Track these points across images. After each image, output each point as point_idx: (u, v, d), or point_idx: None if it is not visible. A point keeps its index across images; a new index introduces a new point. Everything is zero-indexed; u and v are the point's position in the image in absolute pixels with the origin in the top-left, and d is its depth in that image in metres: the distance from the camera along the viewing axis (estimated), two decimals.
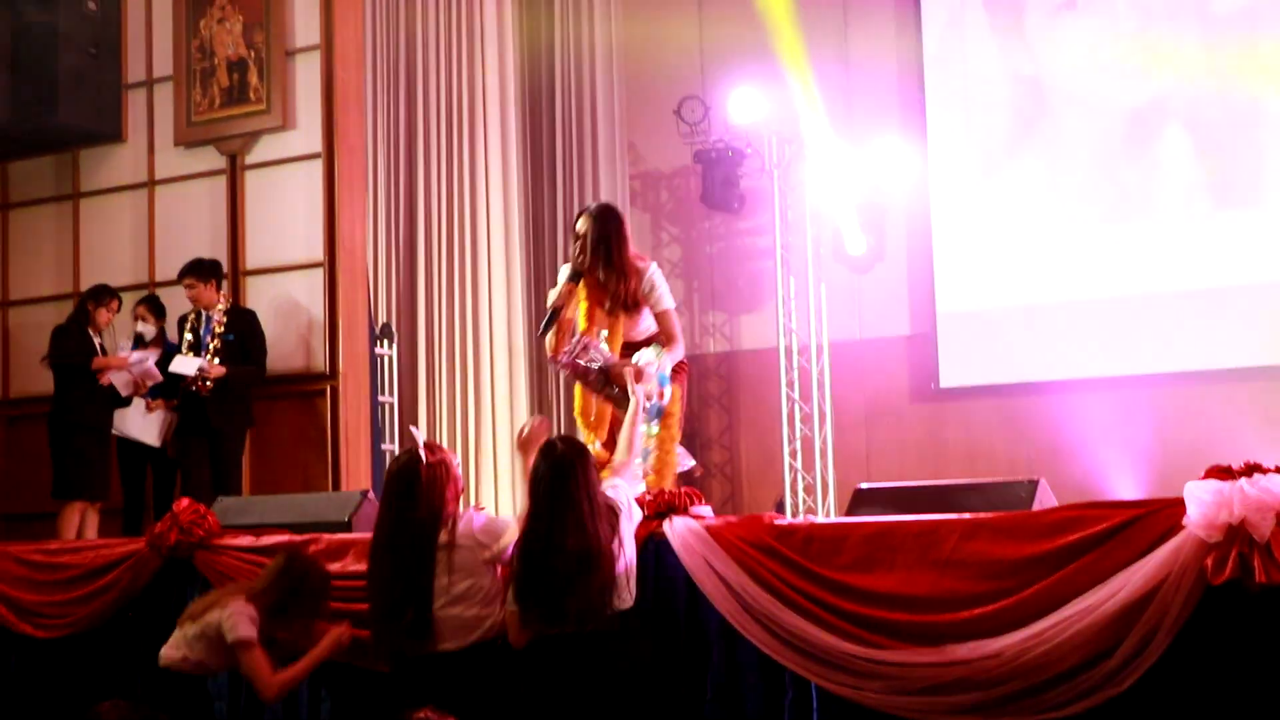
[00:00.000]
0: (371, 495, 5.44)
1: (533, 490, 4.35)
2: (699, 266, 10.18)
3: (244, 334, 7.09)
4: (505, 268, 8.94)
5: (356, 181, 7.54)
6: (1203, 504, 3.88)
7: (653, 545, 4.62)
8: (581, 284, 5.09)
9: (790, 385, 9.28)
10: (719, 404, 10.15)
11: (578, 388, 5.23)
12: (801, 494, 9.16)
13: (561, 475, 4.27)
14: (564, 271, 5.15)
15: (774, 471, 9.34)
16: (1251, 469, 3.91)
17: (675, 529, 4.59)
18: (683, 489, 4.72)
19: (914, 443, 9.42)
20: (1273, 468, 3.91)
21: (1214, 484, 3.91)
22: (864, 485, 4.89)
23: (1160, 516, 3.98)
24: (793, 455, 9.18)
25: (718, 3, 10.06)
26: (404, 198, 8.62)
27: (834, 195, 9.29)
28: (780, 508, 9.09)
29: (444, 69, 8.74)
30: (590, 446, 4.73)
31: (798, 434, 9.24)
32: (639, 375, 4.89)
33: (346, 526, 5.22)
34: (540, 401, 8.99)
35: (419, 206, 8.63)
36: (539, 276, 9.20)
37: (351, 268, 7.47)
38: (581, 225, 5.11)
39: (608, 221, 5.12)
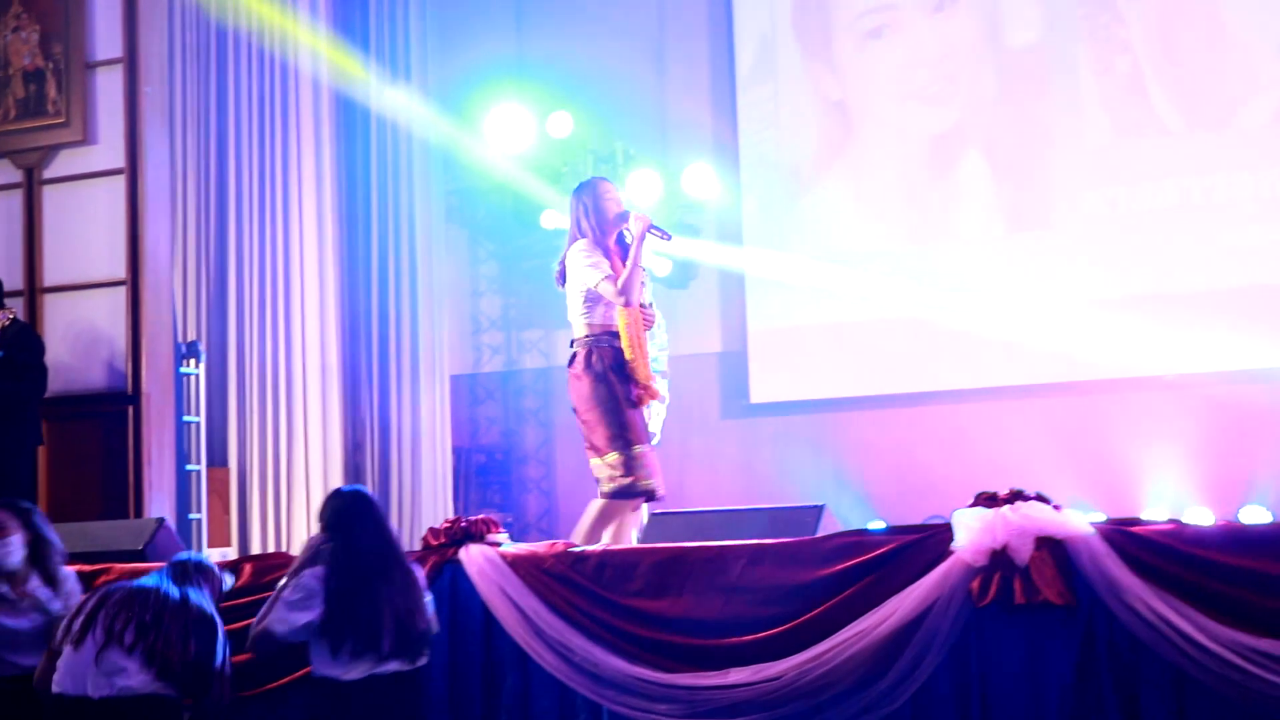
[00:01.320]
0: (168, 524, 5.37)
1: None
2: (516, 282, 10.23)
3: (15, 349, 6.74)
4: (319, 284, 8.85)
5: (162, 198, 7.38)
6: (969, 530, 4.09)
7: (449, 572, 4.67)
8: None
9: None
10: (536, 419, 10.22)
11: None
12: None
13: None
14: (636, 223, 5.44)
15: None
16: (1014, 496, 4.13)
17: (471, 556, 4.64)
18: (479, 517, 4.78)
19: (726, 457, 9.62)
20: (1034, 495, 4.14)
21: (980, 511, 4.12)
22: (657, 511, 5.01)
23: (930, 542, 4.17)
24: None
25: (536, 20, 10.14)
26: (214, 213, 8.49)
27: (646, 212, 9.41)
28: None
29: (255, 79, 8.63)
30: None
31: None
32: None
33: (141, 556, 5.15)
34: (355, 422, 8.92)
35: (230, 221, 8.51)
36: (354, 292, 9.13)
37: (156, 285, 7.31)
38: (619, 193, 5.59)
39: None
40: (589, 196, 5.51)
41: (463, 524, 4.71)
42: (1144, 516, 8.30)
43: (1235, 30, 8.72)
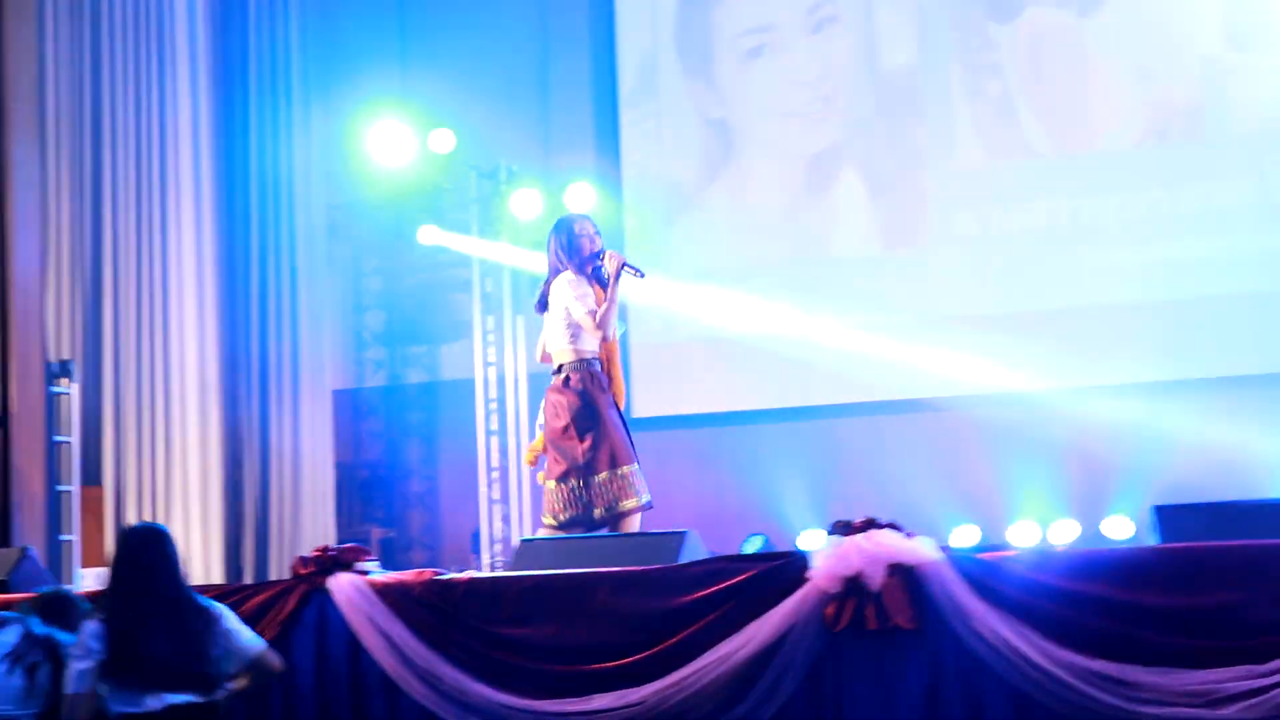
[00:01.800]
0: (32, 552, 5.31)
1: None
2: (400, 298, 10.23)
3: None
4: (198, 299, 8.79)
5: (31, 218, 7.30)
6: (825, 558, 4.21)
7: (317, 601, 4.69)
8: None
9: (488, 417, 9.43)
10: (419, 434, 10.22)
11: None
12: (498, 524, 9.31)
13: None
14: (610, 261, 5.68)
15: (472, 502, 9.47)
16: (868, 524, 4.26)
17: (339, 584, 4.66)
18: (348, 545, 4.80)
19: None
20: (887, 523, 4.27)
21: (835, 539, 4.24)
22: (526, 537, 5.07)
23: (787, 569, 4.28)
24: (489, 486, 9.33)
25: (420, 36, 10.15)
26: (89, 228, 8.37)
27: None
28: (476, 539, 9.25)
29: (132, 92, 8.54)
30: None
31: (495, 464, 9.39)
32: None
33: (4, 586, 5.09)
34: (234, 438, 8.87)
35: (105, 237, 8.40)
36: (234, 308, 9.07)
37: (25, 305, 7.23)
38: (596, 228, 5.84)
39: None
40: (565, 233, 5.74)
41: (331, 552, 4.73)
42: (1013, 531, 8.64)
43: (1100, 58, 8.99)
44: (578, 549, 4.87)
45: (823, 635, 4.19)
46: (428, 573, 4.71)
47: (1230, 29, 8.77)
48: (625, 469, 5.60)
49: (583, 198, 9.53)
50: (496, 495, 9.38)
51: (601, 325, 5.58)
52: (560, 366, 5.69)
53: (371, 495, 10.05)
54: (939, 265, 9.23)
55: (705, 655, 4.27)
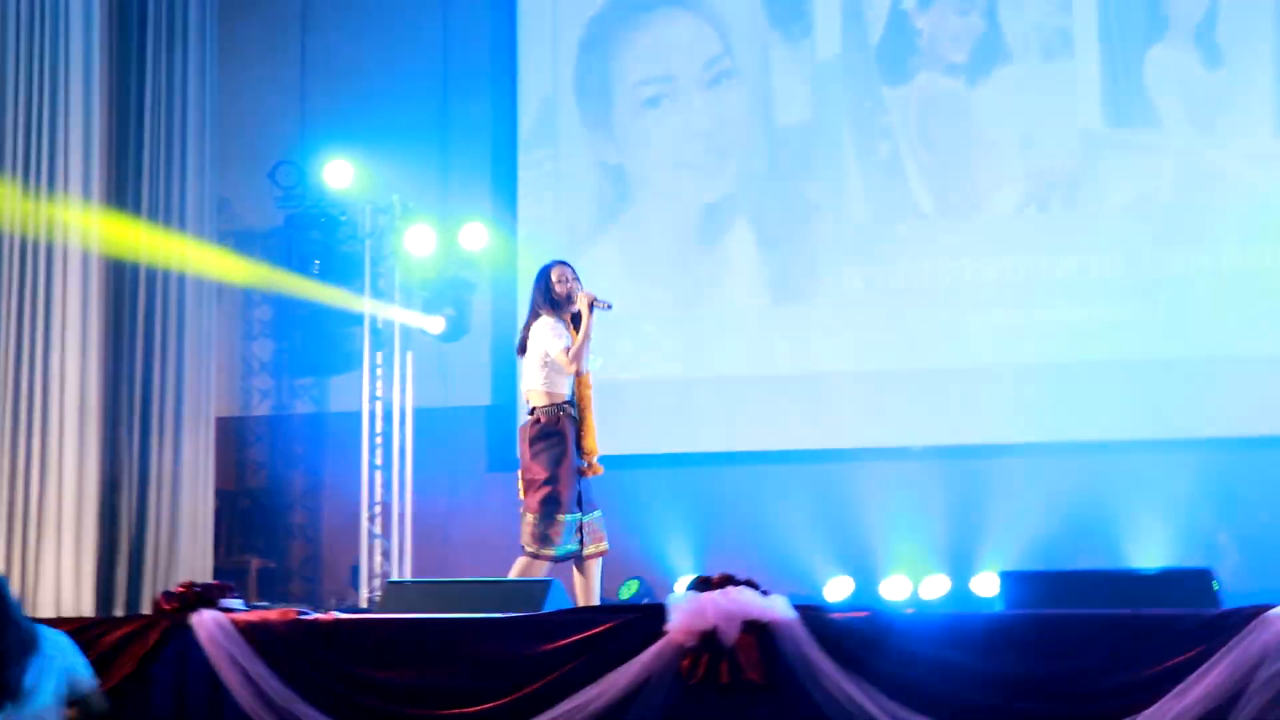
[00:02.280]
0: None
1: None
2: (290, 328, 10.20)
3: None
4: (81, 322, 8.65)
5: None
6: (682, 612, 4.32)
7: (179, 637, 4.69)
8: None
9: (373, 450, 9.44)
10: (304, 465, 10.18)
11: None
12: (379, 559, 9.30)
13: None
14: (582, 298, 6.17)
15: (354, 536, 9.45)
16: (725, 581, 4.37)
17: (202, 621, 4.67)
18: (213, 582, 4.81)
19: (492, 511, 9.72)
20: (744, 581, 4.38)
21: (692, 594, 4.35)
22: (395, 579, 5.11)
23: (646, 621, 4.38)
24: (371, 520, 9.33)
25: (320, 67, 10.18)
26: None
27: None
28: (356, 573, 9.23)
29: (23, 111, 8.44)
30: None
31: (378, 498, 9.39)
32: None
33: None
34: (113, 462, 8.76)
35: None
36: (119, 331, 8.96)
37: None
38: (573, 274, 6.30)
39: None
40: (543, 280, 6.23)
41: (195, 589, 4.74)
42: (886, 585, 8.82)
43: (986, 126, 9.26)
44: (445, 593, 4.92)
45: (678, 687, 4.29)
46: (292, 612, 4.73)
47: (1107, 106, 9.10)
48: (553, 517, 6.01)
49: (477, 237, 9.62)
50: (379, 530, 9.38)
51: (575, 359, 6.04)
52: (533, 409, 6.10)
53: (252, 525, 9.98)
54: (825, 319, 9.41)
55: (564, 703, 4.35)
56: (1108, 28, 9.10)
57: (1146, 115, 9.03)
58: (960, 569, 8.90)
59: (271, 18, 10.40)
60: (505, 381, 9.84)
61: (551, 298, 6.19)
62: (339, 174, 9.32)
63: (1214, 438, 8.69)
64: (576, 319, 6.20)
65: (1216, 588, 4.19)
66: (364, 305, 9.56)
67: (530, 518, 6.04)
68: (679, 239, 9.71)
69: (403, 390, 9.55)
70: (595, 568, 6.18)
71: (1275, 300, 8.71)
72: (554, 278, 6.24)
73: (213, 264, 9.27)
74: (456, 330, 9.76)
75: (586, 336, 6.08)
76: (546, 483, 6.01)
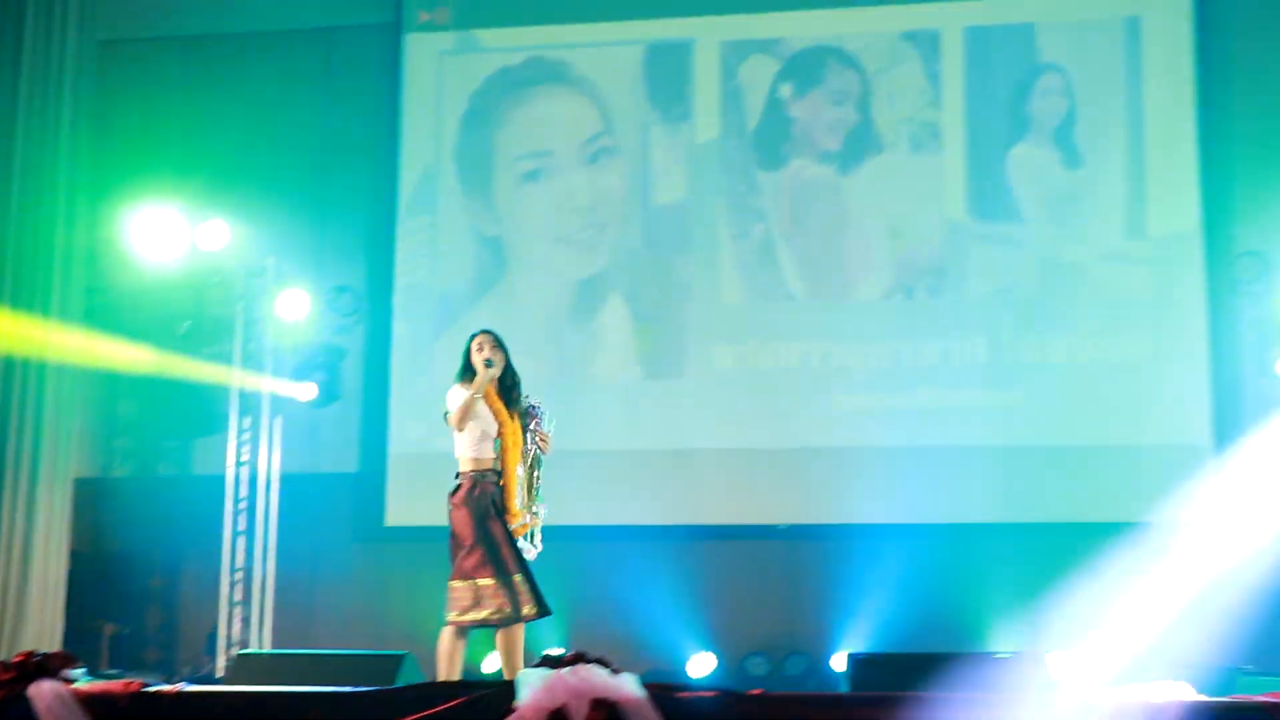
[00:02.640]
0: None
1: None
2: (156, 388, 9.98)
3: None
4: None
5: None
6: (531, 690, 4.32)
7: (17, 709, 4.57)
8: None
9: (236, 516, 9.30)
10: (164, 528, 9.97)
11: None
12: (238, 626, 9.14)
13: None
14: (487, 372, 6.25)
15: (213, 602, 9.28)
16: (576, 659, 4.39)
17: (41, 692, 4.56)
18: (54, 651, 4.71)
19: (357, 578, 9.65)
20: (594, 659, 4.41)
21: (542, 671, 4.36)
22: (245, 650, 5.05)
23: (496, 699, 4.38)
24: (231, 588, 9.17)
25: (202, 127, 10.12)
26: None
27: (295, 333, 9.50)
28: (212, 640, 9.06)
29: None
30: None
31: (240, 564, 9.24)
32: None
33: None
34: None
35: None
36: None
37: None
38: (492, 343, 6.32)
39: (505, 345, 6.44)
40: (465, 350, 6.36)
41: (35, 658, 4.63)
42: (749, 661, 8.90)
43: (856, 213, 9.51)
44: (296, 665, 4.88)
45: None
46: (136, 683, 4.65)
47: (972, 198, 9.40)
48: (466, 582, 6.08)
49: (351, 302, 9.58)
50: (239, 597, 9.22)
51: (456, 422, 6.18)
52: (458, 474, 6.25)
53: (108, 589, 9.73)
54: (695, 396, 9.53)
55: None
56: (974, 124, 9.43)
57: (1008, 209, 9.35)
58: (822, 647, 9.01)
59: (150, 76, 10.33)
60: (374, 449, 9.80)
61: (465, 364, 6.32)
62: (213, 235, 9.24)
63: (1069, 522, 8.94)
64: (507, 390, 6.32)
65: (1048, 671, 4.31)
66: (232, 368, 9.45)
67: (454, 584, 6.10)
68: (554, 312, 9.79)
69: (269, 455, 9.43)
70: (518, 632, 6.16)
71: (1126, 392, 9.03)
72: (473, 345, 6.35)
73: (78, 344, 9.10)
74: (327, 396, 9.69)
75: (473, 393, 6.15)
76: (470, 547, 6.08)
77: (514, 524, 6.23)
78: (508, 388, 6.35)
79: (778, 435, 9.39)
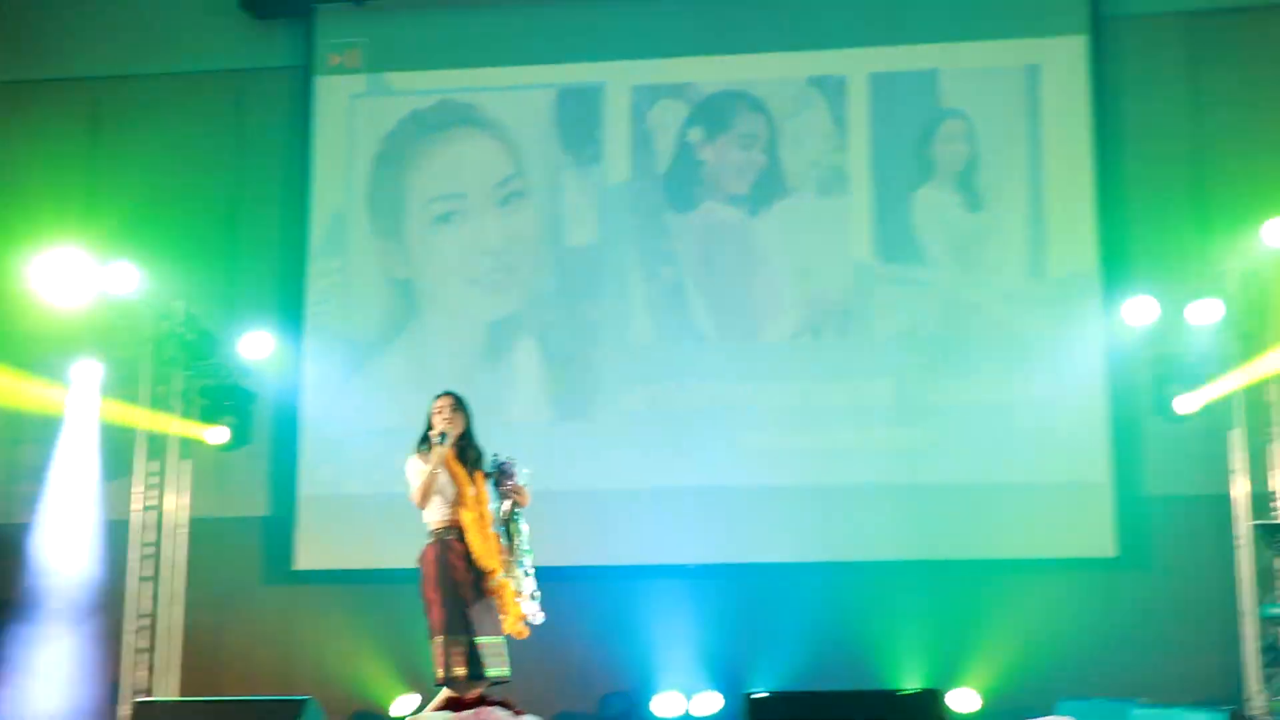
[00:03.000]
0: None
1: None
2: (61, 431, 9.89)
3: None
4: None
5: None
6: None
7: None
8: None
9: (141, 561, 9.18)
10: (68, 574, 9.81)
11: None
12: (142, 673, 8.99)
13: None
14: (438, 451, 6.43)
15: (117, 648, 9.14)
16: (479, 701, 4.42)
17: None
18: None
19: (266, 623, 9.58)
20: (496, 700, 4.43)
21: (445, 715, 4.37)
22: (141, 699, 5.00)
23: None
24: (136, 634, 9.03)
25: (109, 169, 10.06)
26: None
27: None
28: (117, 687, 8.91)
29: None
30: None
31: (145, 611, 9.11)
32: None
33: None
34: None
35: None
36: None
37: None
38: (451, 405, 6.53)
39: (467, 405, 6.67)
40: (427, 414, 6.54)
41: None
42: (658, 701, 8.93)
43: (765, 255, 9.65)
44: (196, 713, 4.85)
45: None
46: None
47: (878, 241, 9.57)
48: (438, 639, 6.13)
49: (261, 345, 9.52)
50: (144, 644, 9.08)
51: (419, 501, 6.38)
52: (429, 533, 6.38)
53: (5, 637, 9.54)
54: (606, 437, 9.59)
55: None
56: (879, 168, 9.62)
57: (913, 252, 9.54)
58: (734, 685, 9.05)
59: (59, 118, 10.26)
60: (283, 492, 9.74)
61: (426, 432, 6.50)
62: (123, 277, 9.14)
63: (972, 559, 9.10)
64: (463, 450, 6.53)
65: (945, 708, 4.39)
66: (140, 411, 9.35)
67: (434, 641, 6.21)
68: (465, 354, 9.81)
69: (177, 500, 9.33)
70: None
71: (1027, 430, 9.21)
72: (433, 411, 6.56)
73: None
74: (237, 439, 9.61)
75: (429, 474, 6.35)
76: (435, 606, 6.25)
77: (493, 583, 6.33)
78: (463, 449, 6.51)
79: (687, 475, 9.46)
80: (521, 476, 6.49)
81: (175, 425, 9.42)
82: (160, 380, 9.44)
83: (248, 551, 9.70)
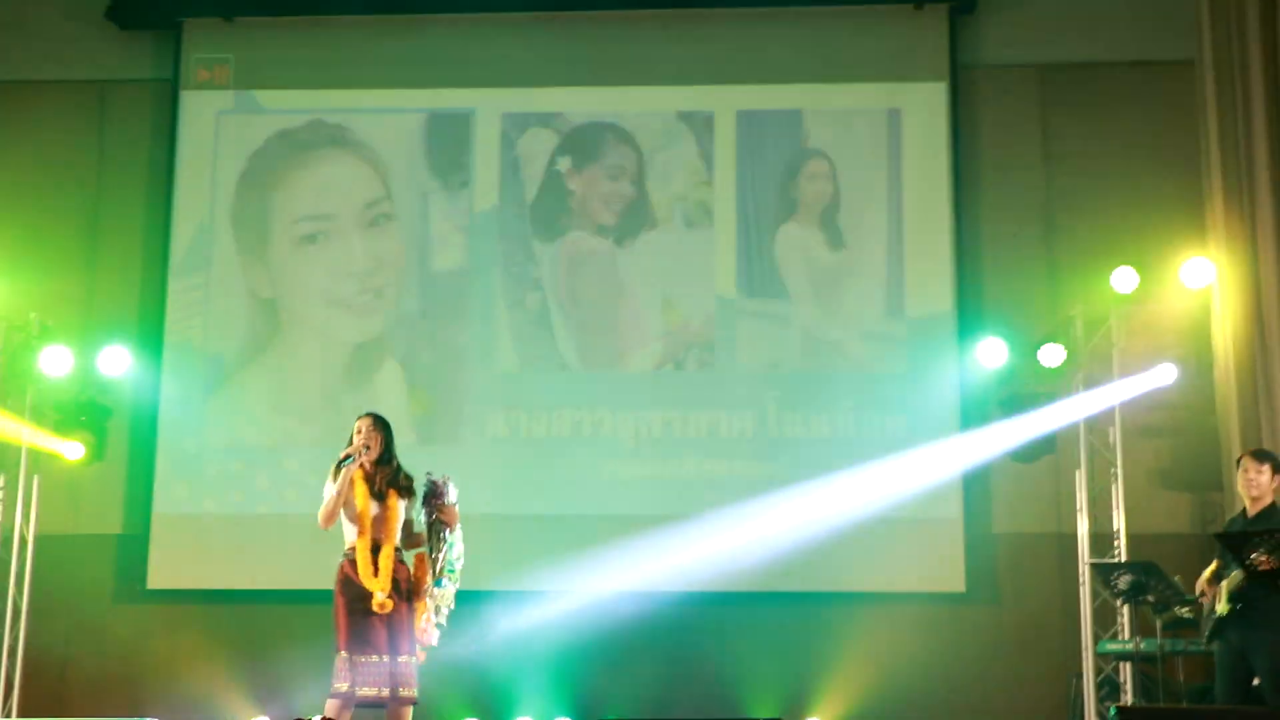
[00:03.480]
0: None
1: None
2: None
3: None
4: None
5: None
6: None
7: None
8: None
9: None
10: None
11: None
12: None
13: None
14: (344, 472, 6.46)
15: None
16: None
17: None
18: None
19: (116, 642, 9.42)
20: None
21: None
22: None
23: None
24: None
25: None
26: None
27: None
28: None
29: None
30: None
31: None
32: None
33: None
34: None
35: None
36: None
37: None
38: (370, 425, 6.59)
39: (388, 426, 6.72)
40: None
41: None
42: None
43: (630, 286, 9.75)
44: None
45: None
46: None
47: (741, 275, 9.73)
48: (339, 656, 6.24)
49: (118, 360, 9.38)
50: None
51: (323, 521, 6.43)
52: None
53: None
54: (469, 462, 9.53)
55: None
56: (744, 203, 9.78)
57: (776, 287, 9.71)
58: (588, 713, 9.11)
59: None
60: (139, 509, 9.59)
61: (347, 447, 6.52)
62: None
63: (828, 592, 9.27)
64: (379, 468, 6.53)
65: None
66: None
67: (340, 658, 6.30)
68: (328, 375, 9.76)
69: (24, 517, 9.13)
70: (405, 715, 6.35)
71: (882, 467, 9.41)
72: (354, 431, 6.58)
73: None
74: (92, 455, 9.43)
75: (335, 495, 6.39)
76: (334, 622, 6.34)
77: (373, 601, 6.28)
78: (380, 466, 6.54)
79: (549, 502, 9.51)
80: (450, 496, 6.50)
81: (27, 438, 9.23)
82: (12, 393, 9.26)
83: (100, 569, 9.53)
